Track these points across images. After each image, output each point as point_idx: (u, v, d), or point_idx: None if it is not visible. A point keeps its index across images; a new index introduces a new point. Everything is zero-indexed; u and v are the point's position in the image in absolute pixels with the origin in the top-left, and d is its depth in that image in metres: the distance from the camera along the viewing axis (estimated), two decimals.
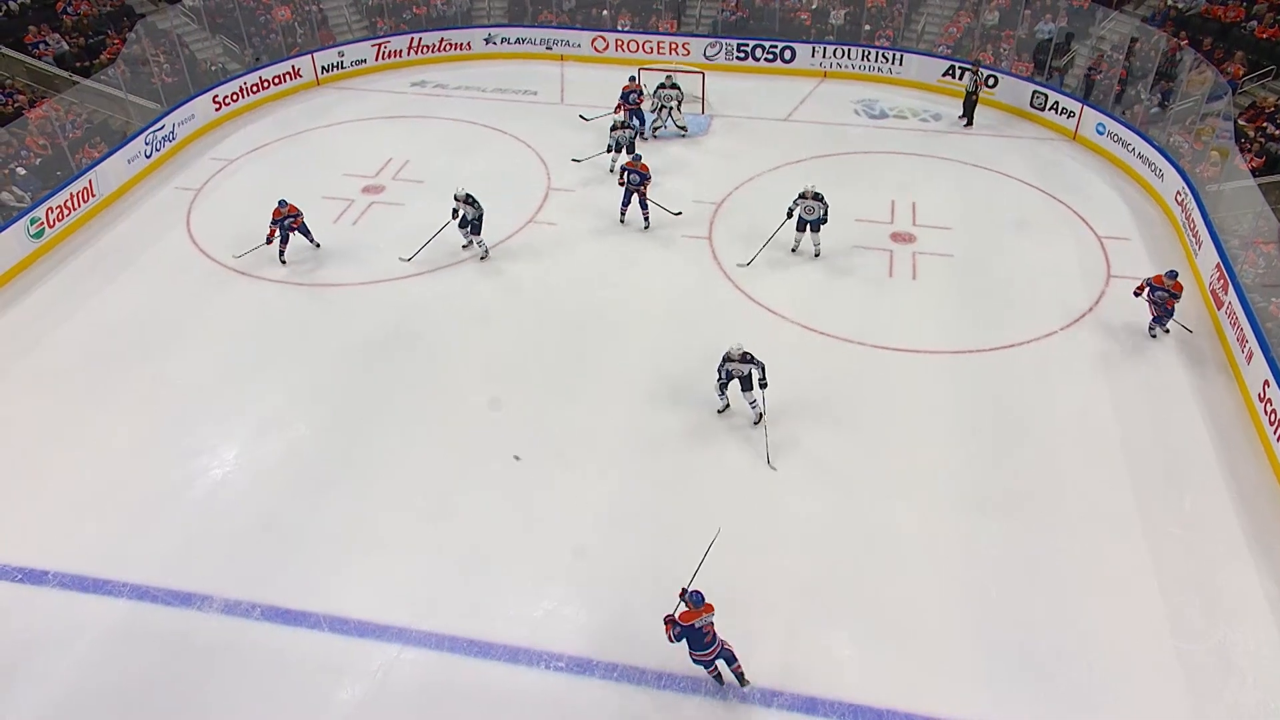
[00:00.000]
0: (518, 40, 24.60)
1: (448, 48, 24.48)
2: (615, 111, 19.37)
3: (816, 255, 15.63)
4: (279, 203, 15.52)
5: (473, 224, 15.62)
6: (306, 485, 11.49)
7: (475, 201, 15.47)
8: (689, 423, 12.38)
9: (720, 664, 9.05)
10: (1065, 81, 20.76)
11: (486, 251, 15.90)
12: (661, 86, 19.95)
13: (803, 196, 15.22)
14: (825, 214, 15.26)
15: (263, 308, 14.83)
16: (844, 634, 9.74)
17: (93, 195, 17.47)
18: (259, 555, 10.59)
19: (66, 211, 16.83)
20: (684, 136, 20.00)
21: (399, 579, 10.32)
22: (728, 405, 12.41)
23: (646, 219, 16.53)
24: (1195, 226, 15.51)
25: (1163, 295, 13.46)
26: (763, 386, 11.86)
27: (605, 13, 24.50)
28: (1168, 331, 13.86)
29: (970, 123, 20.29)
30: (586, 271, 15.58)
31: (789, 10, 23.65)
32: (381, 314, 14.59)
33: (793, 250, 15.64)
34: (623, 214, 16.69)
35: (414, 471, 11.71)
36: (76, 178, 17.14)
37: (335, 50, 23.32)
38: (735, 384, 12.12)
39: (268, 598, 10.10)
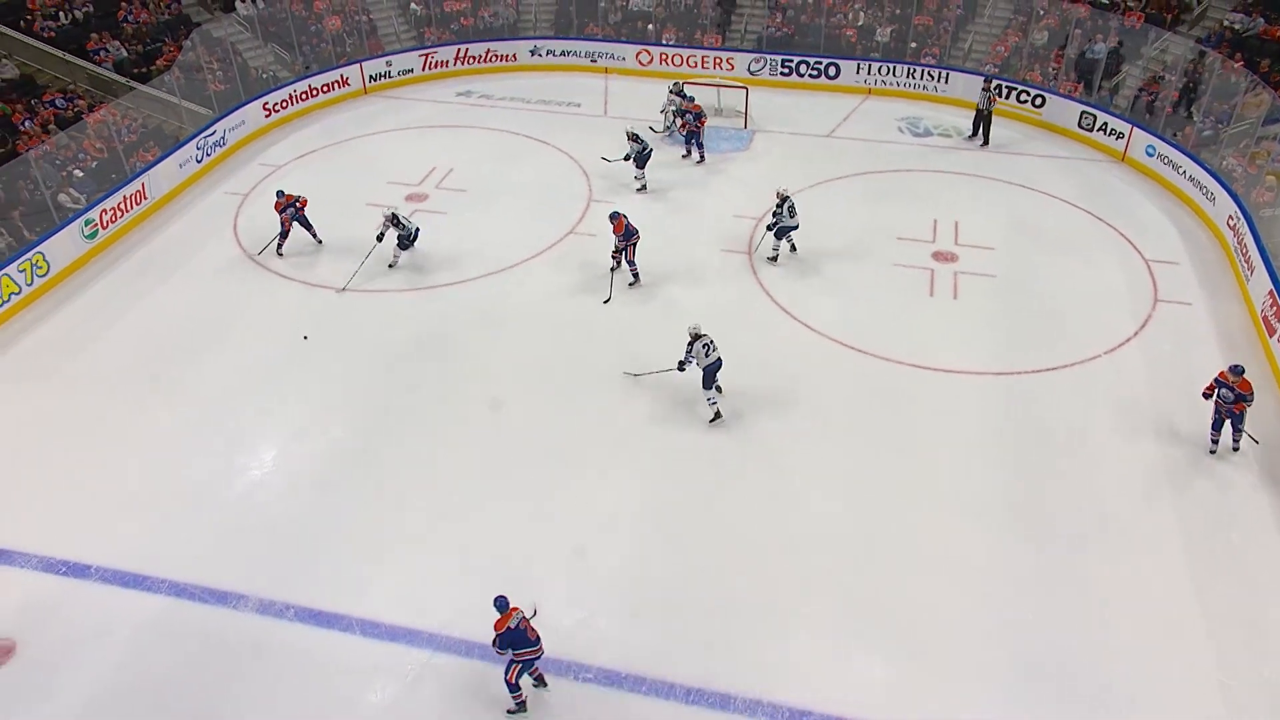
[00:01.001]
0: (563, 53, 24.78)
1: (494, 59, 24.73)
2: (681, 129, 19.59)
3: (793, 250, 16.08)
4: (277, 194, 16.17)
5: (401, 240, 15.72)
6: (341, 487, 11.63)
7: (403, 222, 15.57)
8: (727, 437, 12.37)
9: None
10: (1115, 102, 20.48)
11: (397, 261, 15.91)
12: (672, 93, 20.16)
13: (782, 203, 15.54)
14: (782, 225, 15.73)
15: (303, 312, 15.04)
16: (875, 653, 9.65)
17: (145, 198, 17.88)
18: (294, 556, 10.74)
19: (119, 213, 17.24)
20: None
21: (431, 584, 10.41)
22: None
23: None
24: (1248, 252, 15.19)
25: (1228, 395, 11.51)
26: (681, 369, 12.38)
27: (650, 26, 24.62)
28: (1236, 448, 11.88)
29: (986, 142, 19.97)
30: (623, 282, 15.60)
31: (835, 27, 23.60)
32: (420, 320, 14.75)
33: (772, 259, 15.88)
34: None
35: (447, 476, 11.81)
36: (130, 181, 17.55)
37: (383, 60, 23.66)
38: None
39: (301, 598, 10.22)
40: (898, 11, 23.30)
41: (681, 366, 12.39)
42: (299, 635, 9.88)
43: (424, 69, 24.12)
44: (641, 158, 18.12)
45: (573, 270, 16.00)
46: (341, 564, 10.60)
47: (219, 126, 19.97)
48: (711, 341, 12.23)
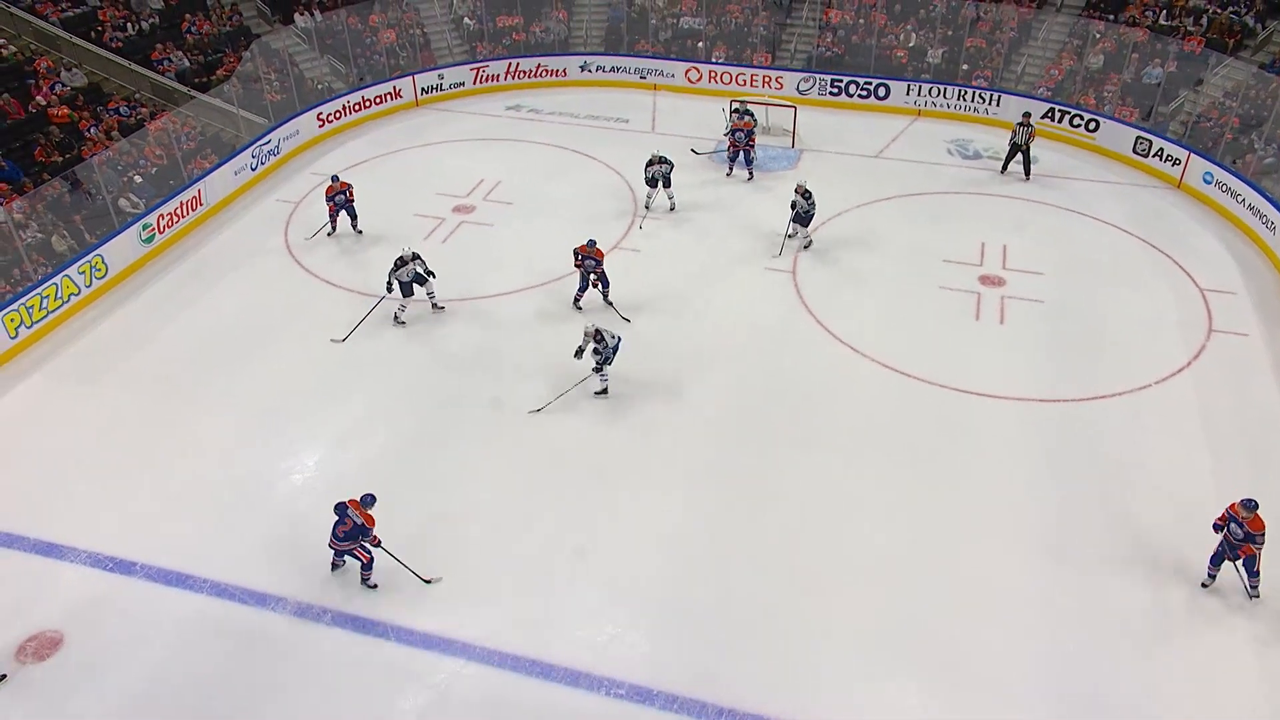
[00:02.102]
0: (612, 69, 24.99)
1: (544, 74, 25.00)
2: (731, 148, 19.60)
3: (807, 247, 16.55)
4: (332, 178, 16.97)
5: (418, 278, 14.89)
6: (382, 495, 11.66)
7: (420, 256, 15.00)
8: (768, 458, 12.33)
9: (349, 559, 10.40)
10: (1171, 129, 20.15)
11: (438, 304, 15.32)
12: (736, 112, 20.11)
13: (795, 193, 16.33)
14: (813, 209, 16.40)
15: (351, 317, 15.19)
16: (911, 680, 9.52)
17: (200, 204, 18.31)
18: (328, 557, 10.83)
19: (176, 219, 17.67)
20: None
21: (467, 593, 10.47)
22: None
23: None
24: None
25: (1237, 531, 9.95)
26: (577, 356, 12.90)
27: (700, 45, 24.74)
28: (1253, 595, 10.23)
29: (1027, 175, 19.45)
30: (668, 299, 15.65)
31: (885, 48, 23.53)
32: (465, 331, 14.90)
33: (778, 254, 16.49)
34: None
35: (487, 488, 11.89)
36: (187, 187, 17.99)
37: (435, 73, 24.01)
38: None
39: (338, 604, 10.35)
40: (950, 33, 23.19)
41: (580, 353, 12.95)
42: (336, 640, 10.00)
43: (475, 83, 24.45)
44: (666, 178, 17.96)
45: (618, 282, 16.03)
46: (378, 571, 10.68)
47: (274, 135, 20.40)
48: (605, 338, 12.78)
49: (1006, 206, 18.65)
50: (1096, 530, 11.14)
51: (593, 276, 15.01)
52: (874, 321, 14.98)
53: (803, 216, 16.41)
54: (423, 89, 23.83)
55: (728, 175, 19.82)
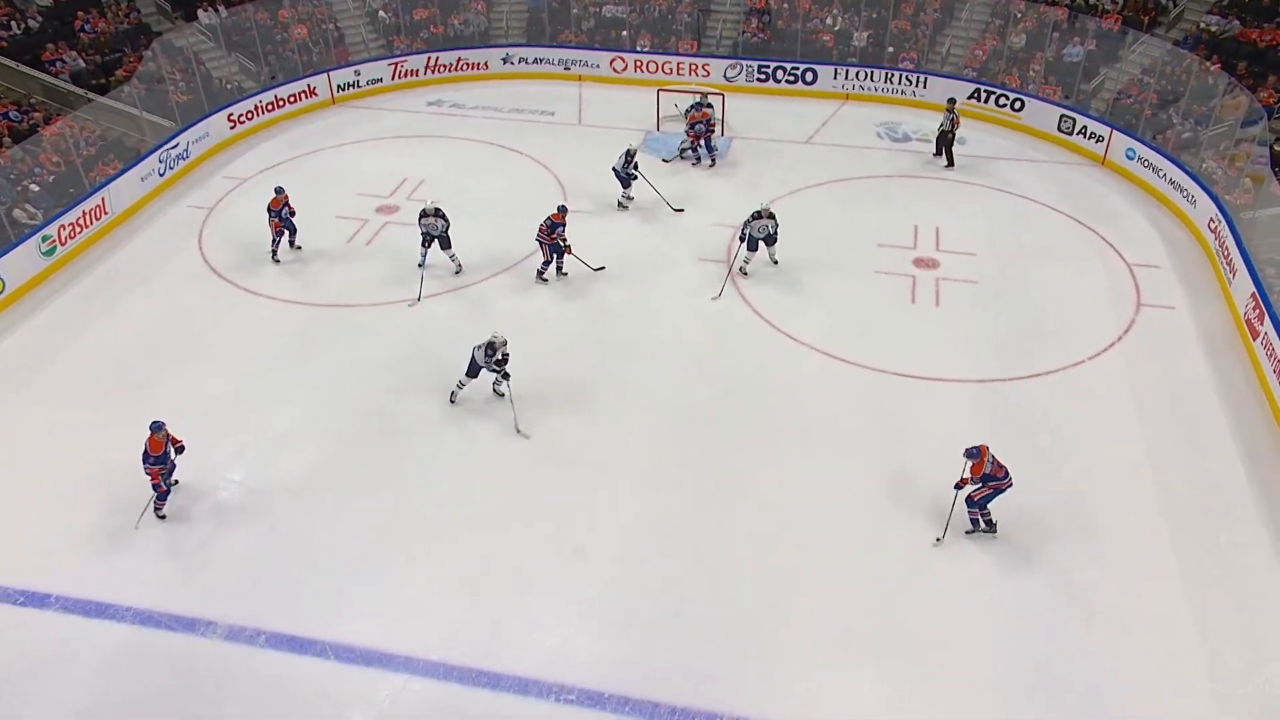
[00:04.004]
0: (535, 60, 24.84)
1: (465, 67, 24.74)
2: (693, 143, 19.76)
3: (775, 263, 15.98)
4: (276, 190, 16.14)
5: (441, 239, 15.73)
6: (316, 509, 11.53)
7: (444, 214, 15.65)
8: (709, 450, 12.39)
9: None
10: (1094, 106, 20.77)
11: (460, 266, 16.13)
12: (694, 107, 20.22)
13: (756, 216, 15.45)
14: (775, 230, 15.61)
15: (274, 327, 14.94)
16: (866, 669, 9.66)
17: (105, 213, 17.70)
18: (265, 580, 10.62)
19: (79, 229, 17.05)
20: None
21: (408, 606, 10.32)
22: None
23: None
24: (1229, 254, 15.43)
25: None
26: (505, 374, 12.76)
27: (624, 33, 24.74)
28: (970, 530, 11.09)
29: (950, 164, 19.84)
30: (603, 294, 15.64)
31: (811, 32, 23.80)
32: (396, 335, 14.69)
33: (743, 272, 15.79)
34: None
35: (426, 496, 11.73)
36: (89, 195, 17.37)
37: (351, 69, 23.60)
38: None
39: (273, 624, 10.11)
40: (874, 16, 23.56)
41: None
42: (272, 662, 9.76)
43: (393, 78, 24.09)
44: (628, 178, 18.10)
45: (550, 279, 15.99)
46: (316, 587, 10.49)
47: (182, 139, 19.83)
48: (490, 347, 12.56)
49: (938, 188, 19.03)
50: (1040, 509, 11.40)
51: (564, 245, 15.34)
52: (812, 309, 15.15)
53: (771, 238, 15.74)
54: (339, 86, 23.41)
55: (694, 165, 19.93)
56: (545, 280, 15.86)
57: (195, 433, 12.42)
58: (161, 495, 11.28)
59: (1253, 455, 12.20)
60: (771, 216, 15.53)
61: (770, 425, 12.80)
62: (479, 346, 12.66)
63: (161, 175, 19.19)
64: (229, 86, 22.09)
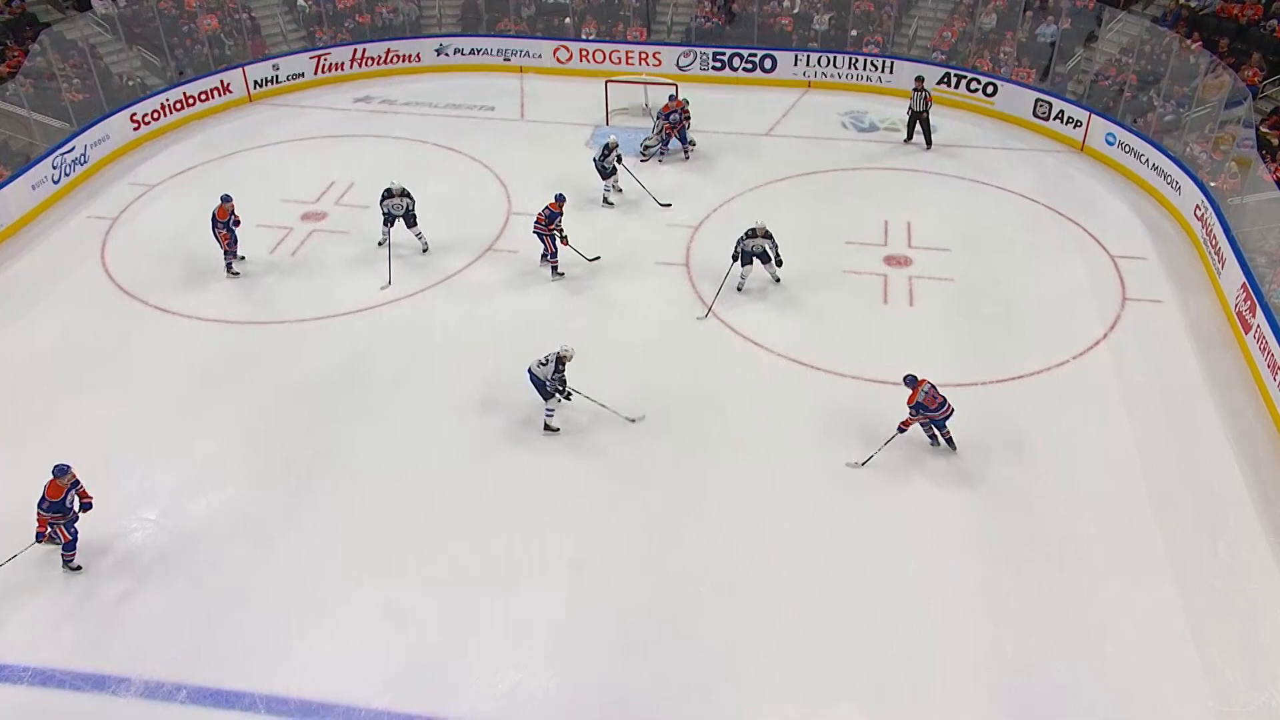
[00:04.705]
0: (472, 51, 24.83)
1: (395, 60, 24.65)
2: (666, 131, 19.91)
3: (778, 281, 15.82)
4: (223, 199, 15.91)
5: (407, 218, 16.43)
6: (242, 547, 11.35)
7: (409, 192, 16.40)
8: (672, 465, 12.43)
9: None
10: (1070, 89, 21.21)
11: (427, 244, 16.79)
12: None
13: (750, 235, 15.27)
14: (777, 252, 15.37)
15: (190, 347, 14.72)
16: (842, 692, 9.69)
17: None
18: (186, 630, 10.41)
19: None
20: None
21: (347, 651, 10.18)
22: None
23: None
24: (1217, 243, 15.81)
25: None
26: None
27: (568, 21, 24.81)
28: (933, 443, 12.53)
29: (929, 144, 20.39)
30: (553, 302, 15.65)
31: (769, 16, 24.05)
32: (326, 353, 14.54)
33: (738, 289, 15.63)
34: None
35: (365, 529, 11.60)
36: None
37: (269, 63, 23.41)
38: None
39: (195, 677, 9.91)
40: None
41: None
42: (193, 718, 9.57)
43: (316, 73, 23.95)
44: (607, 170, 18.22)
45: (493, 291, 15.95)
46: (242, 635, 10.31)
47: (78, 142, 19.52)
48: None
49: (907, 180, 19.31)
50: (1027, 519, 11.59)
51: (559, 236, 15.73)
52: (777, 313, 15.27)
53: (766, 256, 15.47)
54: (255, 82, 23.20)
55: (659, 160, 20.02)
56: (561, 275, 16.15)
57: (103, 469, 12.20)
58: (68, 545, 10.97)
59: (1248, 455, 12.49)
60: (768, 236, 15.26)
61: (733, 438, 12.85)
62: (542, 363, 12.61)
63: (56, 183, 18.85)
64: (131, 84, 21.76)
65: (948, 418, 12.16)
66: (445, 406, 13.41)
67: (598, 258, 16.49)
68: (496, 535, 11.47)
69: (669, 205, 18.15)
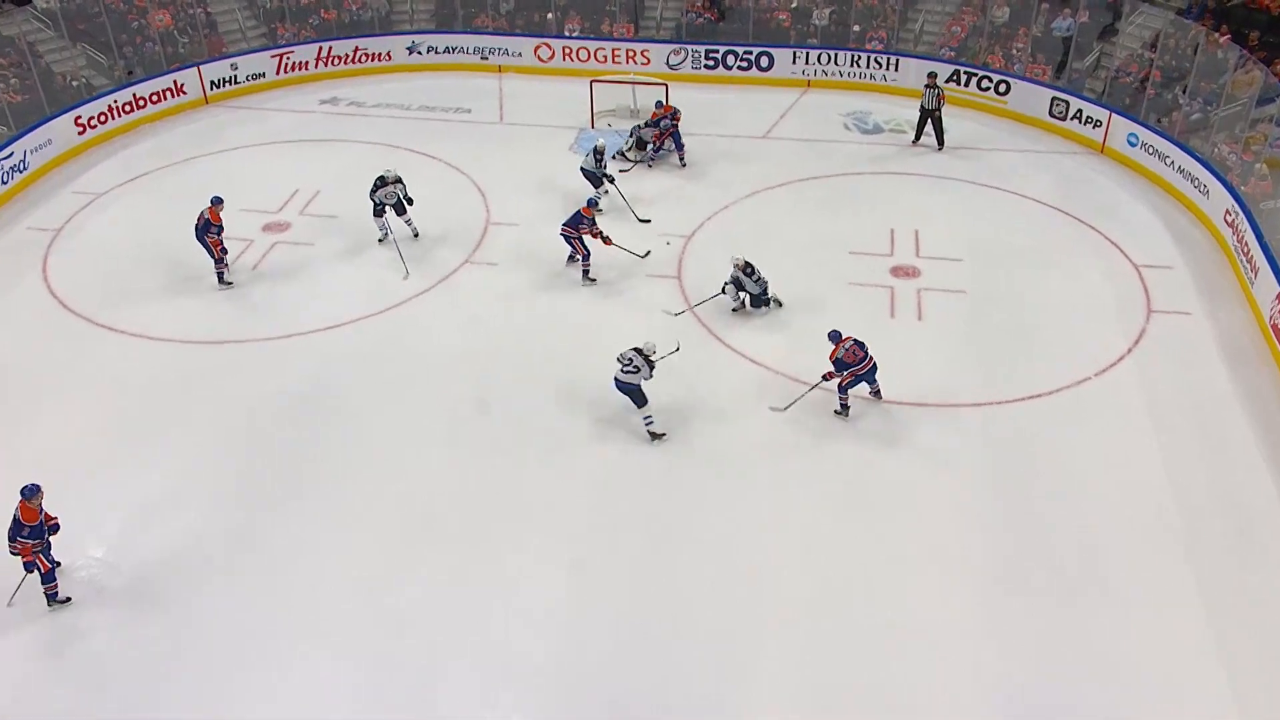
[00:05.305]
0: (447, 49, 24.95)
1: (363, 59, 24.77)
2: (655, 140, 20.06)
3: (779, 305, 15.76)
4: (215, 200, 16.03)
5: (397, 206, 17.17)
6: (198, 583, 11.30)
7: (401, 179, 17.20)
8: (669, 495, 12.44)
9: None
10: (1088, 86, 21.37)
11: (417, 230, 17.58)
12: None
13: (749, 271, 15.22)
14: (764, 289, 15.36)
15: (141, 370, 14.67)
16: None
17: None
18: (135, 675, 10.35)
19: None
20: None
21: (315, 692, 10.15)
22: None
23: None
24: (1249, 251, 15.91)
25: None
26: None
27: (550, 16, 24.94)
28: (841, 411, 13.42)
29: (941, 144, 20.57)
30: (536, 320, 15.67)
31: (765, 10, 24.21)
32: (291, 373, 14.54)
33: (733, 310, 15.65)
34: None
35: (334, 561, 11.57)
36: None
37: (227, 62, 23.49)
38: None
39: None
40: None
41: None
42: None
43: (278, 72, 24.05)
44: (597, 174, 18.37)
45: (471, 305, 15.97)
46: (199, 679, 10.25)
47: (17, 147, 19.55)
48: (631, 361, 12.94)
49: (915, 186, 19.41)
50: (1043, 547, 11.59)
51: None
52: (776, 329, 15.30)
53: (758, 298, 15.53)
54: (212, 82, 23.27)
55: (649, 166, 20.13)
56: (593, 280, 16.42)
57: (46, 501, 12.13)
58: (47, 575, 10.87)
59: None
60: (750, 271, 15.21)
61: (727, 462, 12.87)
62: (628, 370, 12.87)
63: None
64: (75, 84, 21.81)
65: (873, 371, 13.18)
66: (417, 429, 13.42)
67: (649, 253, 17.05)
68: (476, 568, 11.44)
69: (648, 221, 18.15)
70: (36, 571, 10.79)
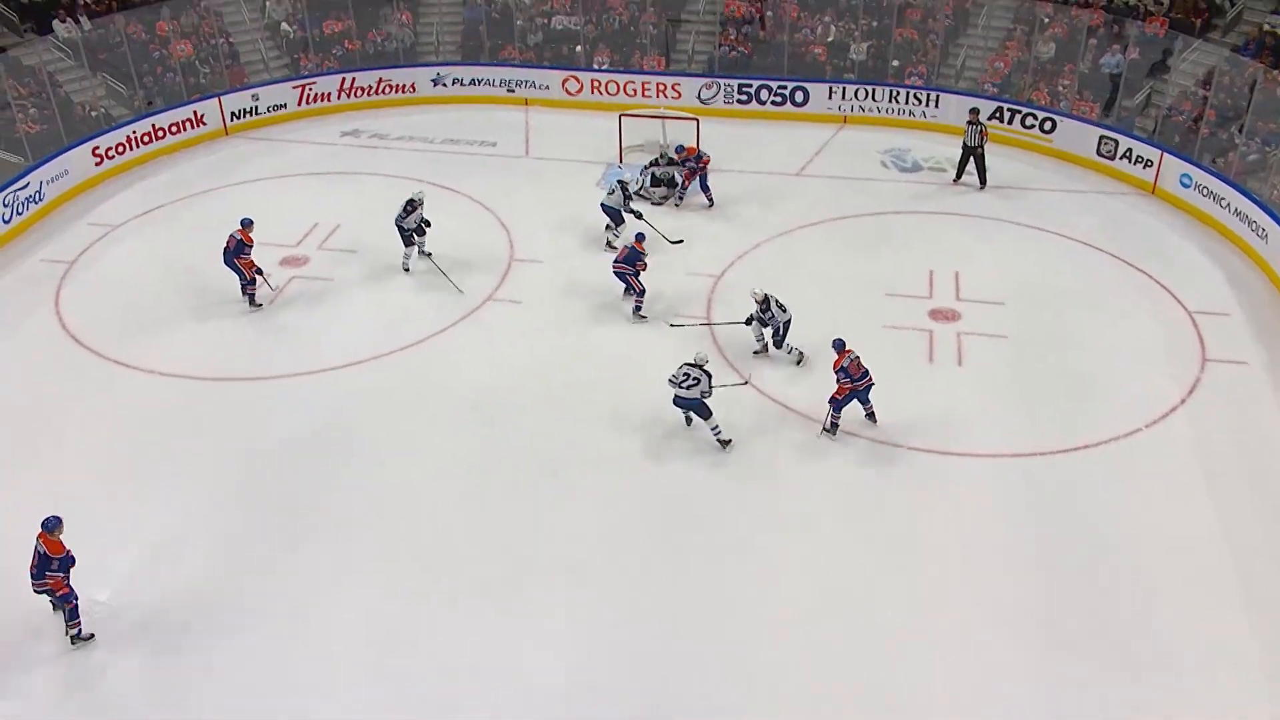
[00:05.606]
0: (472, 81, 25.23)
1: (387, 90, 25.08)
2: (685, 182, 20.17)
3: (799, 364, 15.53)
4: (246, 223, 16.41)
5: (420, 226, 17.53)
6: (206, 631, 11.29)
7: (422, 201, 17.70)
8: (694, 539, 12.38)
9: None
10: (1138, 125, 21.32)
11: (430, 252, 17.99)
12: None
13: (765, 306, 15.14)
14: (780, 324, 15.26)
15: (151, 406, 14.79)
16: None
17: None
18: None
19: None
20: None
21: None
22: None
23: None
24: None
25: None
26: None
27: (579, 49, 25.19)
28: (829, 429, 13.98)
29: (983, 183, 20.55)
30: (560, 360, 15.71)
31: (801, 44, 24.35)
32: (304, 412, 14.62)
33: (754, 352, 15.67)
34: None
35: (347, 610, 11.55)
36: None
37: (248, 93, 23.86)
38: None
39: None
40: (875, 24, 24.17)
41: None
42: None
43: (300, 103, 24.36)
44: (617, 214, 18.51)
45: (495, 343, 16.04)
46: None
47: (34, 178, 19.85)
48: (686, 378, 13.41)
49: (955, 226, 19.38)
50: (1089, 609, 11.40)
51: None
52: (807, 373, 15.24)
53: (779, 331, 15.42)
54: (233, 113, 23.61)
55: (676, 205, 20.18)
56: (644, 318, 16.63)
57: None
58: (73, 612, 10.97)
59: None
60: (766, 306, 15.15)
61: (765, 509, 12.81)
62: (684, 385, 13.38)
63: (7, 222, 19.13)
64: (94, 114, 22.19)
65: (869, 388, 13.69)
66: (435, 468, 13.49)
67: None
68: (492, 619, 11.39)
69: (680, 241, 18.35)
70: (62, 608, 10.95)
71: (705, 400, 13.45)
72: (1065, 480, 13.22)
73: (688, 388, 13.34)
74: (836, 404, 13.72)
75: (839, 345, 13.60)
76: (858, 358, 13.47)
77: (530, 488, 13.20)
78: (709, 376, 13.39)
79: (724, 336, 15.73)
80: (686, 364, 13.49)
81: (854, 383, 13.52)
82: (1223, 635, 11.09)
